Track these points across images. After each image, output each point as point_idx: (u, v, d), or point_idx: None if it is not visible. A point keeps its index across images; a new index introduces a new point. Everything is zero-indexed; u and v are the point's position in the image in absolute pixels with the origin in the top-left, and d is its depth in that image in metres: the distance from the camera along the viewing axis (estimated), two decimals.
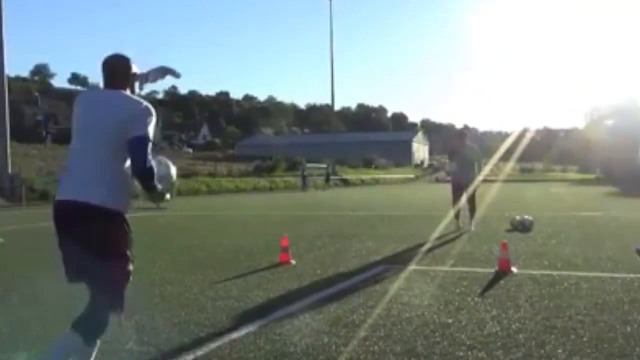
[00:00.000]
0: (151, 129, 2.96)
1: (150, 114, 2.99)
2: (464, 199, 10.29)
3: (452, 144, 11.98)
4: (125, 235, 3.06)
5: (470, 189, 10.31)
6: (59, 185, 3.23)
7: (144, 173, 2.95)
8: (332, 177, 49.47)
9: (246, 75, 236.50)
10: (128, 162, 2.99)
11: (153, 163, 2.97)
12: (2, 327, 4.40)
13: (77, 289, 3.03)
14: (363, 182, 54.76)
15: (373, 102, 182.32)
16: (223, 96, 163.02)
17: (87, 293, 3.05)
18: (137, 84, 3.23)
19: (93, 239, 2.92)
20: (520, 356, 3.50)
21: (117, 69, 3.13)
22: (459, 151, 10.66)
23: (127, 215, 3.10)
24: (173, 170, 3.50)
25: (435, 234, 9.34)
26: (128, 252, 3.05)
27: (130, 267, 3.06)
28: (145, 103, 3.02)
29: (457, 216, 10.23)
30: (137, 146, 2.91)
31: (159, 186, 3.08)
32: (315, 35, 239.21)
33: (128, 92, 3.13)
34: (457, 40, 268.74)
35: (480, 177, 10.64)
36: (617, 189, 28.46)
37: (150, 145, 2.93)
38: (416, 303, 4.87)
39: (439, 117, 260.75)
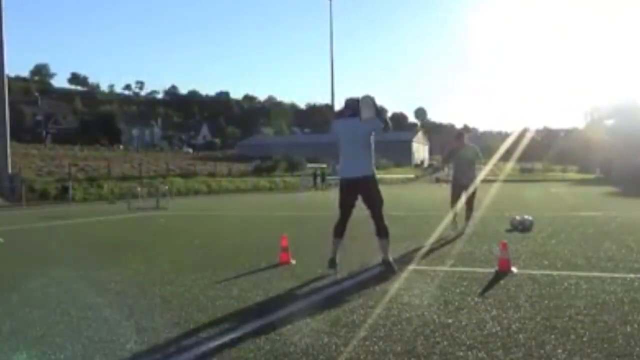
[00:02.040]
0: None
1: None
2: (463, 199, 10.29)
3: (450, 144, 11.99)
4: None
5: (470, 189, 10.30)
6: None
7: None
8: (329, 177, 49.57)
9: (246, 75, 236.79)
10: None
11: None
12: (2, 327, 4.40)
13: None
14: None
15: None
16: (223, 96, 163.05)
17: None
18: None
19: None
20: (520, 356, 3.50)
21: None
22: (457, 151, 10.66)
23: None
24: None
25: (435, 234, 9.34)
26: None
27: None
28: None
29: (455, 216, 10.23)
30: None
31: None
32: (315, 35, 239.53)
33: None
34: (457, 40, 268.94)
35: (479, 178, 10.64)
36: (617, 189, 28.46)
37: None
38: (416, 303, 4.87)
39: (439, 117, 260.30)
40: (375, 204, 6.51)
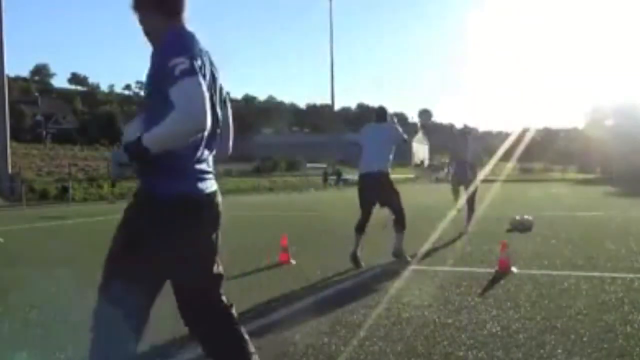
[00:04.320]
0: None
1: None
2: (464, 198, 10.29)
3: (453, 143, 11.99)
4: None
5: (471, 189, 10.31)
6: None
7: None
8: (331, 177, 49.85)
9: (246, 75, 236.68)
10: None
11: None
12: (2, 327, 4.40)
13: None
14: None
15: (373, 102, 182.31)
16: None
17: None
18: None
19: None
20: (520, 356, 3.50)
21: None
22: (460, 151, 10.67)
23: None
24: None
25: (435, 234, 9.33)
26: None
27: None
28: None
29: (456, 200, 10.41)
30: None
31: None
32: (315, 35, 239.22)
33: None
34: (457, 40, 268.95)
35: (480, 177, 10.65)
36: (617, 189, 28.45)
37: None
38: (416, 303, 4.87)
39: (439, 117, 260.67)
40: (392, 198, 6.97)
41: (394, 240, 7.01)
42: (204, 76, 2.28)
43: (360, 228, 7.01)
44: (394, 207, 7.02)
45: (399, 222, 6.95)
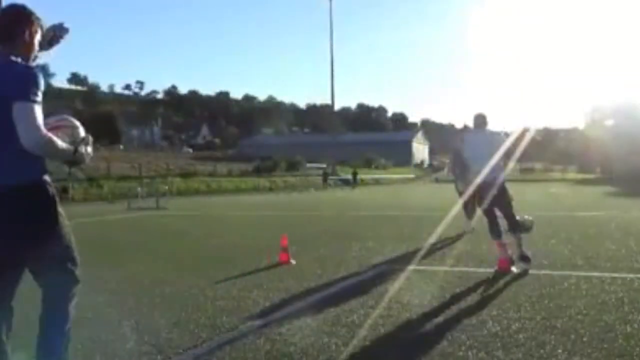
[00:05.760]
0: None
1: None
2: (477, 214, 10.18)
3: (454, 144, 11.98)
4: None
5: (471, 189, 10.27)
6: None
7: None
8: (332, 177, 50.03)
9: (246, 75, 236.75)
10: None
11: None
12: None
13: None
14: (363, 182, 54.83)
15: (373, 102, 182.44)
16: (223, 96, 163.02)
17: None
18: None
19: None
20: (520, 356, 3.50)
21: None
22: (462, 152, 10.64)
23: None
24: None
25: (435, 234, 9.33)
26: None
27: None
28: None
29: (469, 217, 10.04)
30: None
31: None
32: (315, 35, 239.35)
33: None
34: (457, 40, 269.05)
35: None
36: (617, 189, 28.46)
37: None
38: (416, 303, 4.87)
39: (439, 117, 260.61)
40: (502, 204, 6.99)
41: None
42: None
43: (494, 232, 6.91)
44: (505, 212, 7.11)
45: (511, 226, 7.01)
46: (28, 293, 2.77)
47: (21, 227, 2.62)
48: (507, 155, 7.03)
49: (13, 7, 2.77)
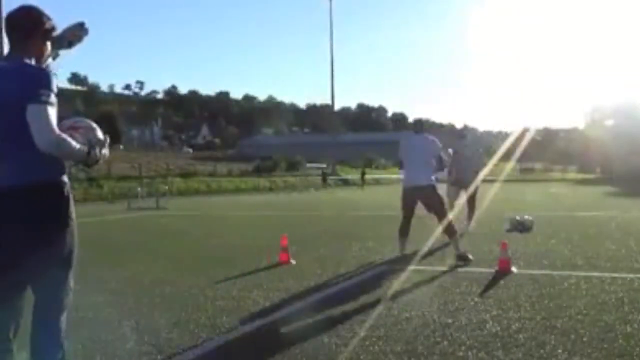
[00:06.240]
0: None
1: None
2: (463, 198, 10.26)
3: (451, 144, 11.99)
4: None
5: (471, 189, 10.29)
6: None
7: None
8: (330, 177, 50.09)
9: (246, 75, 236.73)
10: None
11: None
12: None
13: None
14: (364, 182, 54.76)
15: (373, 102, 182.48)
16: (223, 96, 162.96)
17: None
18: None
19: None
20: (520, 356, 3.50)
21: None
22: (459, 151, 10.65)
23: None
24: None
25: (435, 234, 9.32)
26: None
27: None
28: None
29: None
30: None
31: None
32: (315, 35, 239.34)
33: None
34: (457, 40, 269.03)
35: (480, 178, 10.62)
36: (617, 189, 28.46)
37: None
38: (416, 303, 4.87)
39: (439, 117, 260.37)
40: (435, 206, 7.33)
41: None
42: None
43: (403, 231, 7.55)
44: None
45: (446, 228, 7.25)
46: (28, 294, 2.77)
47: (35, 227, 2.65)
48: (439, 161, 7.40)
49: (24, 8, 2.79)
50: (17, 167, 2.62)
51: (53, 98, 2.59)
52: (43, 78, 2.61)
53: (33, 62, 2.73)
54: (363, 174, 49.28)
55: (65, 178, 2.78)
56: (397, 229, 7.59)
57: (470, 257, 6.97)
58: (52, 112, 2.56)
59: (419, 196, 7.33)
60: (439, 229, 7.20)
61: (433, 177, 7.38)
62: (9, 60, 2.72)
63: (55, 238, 2.74)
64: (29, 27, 2.74)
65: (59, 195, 2.74)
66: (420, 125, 7.74)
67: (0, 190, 2.59)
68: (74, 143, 2.64)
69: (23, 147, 2.58)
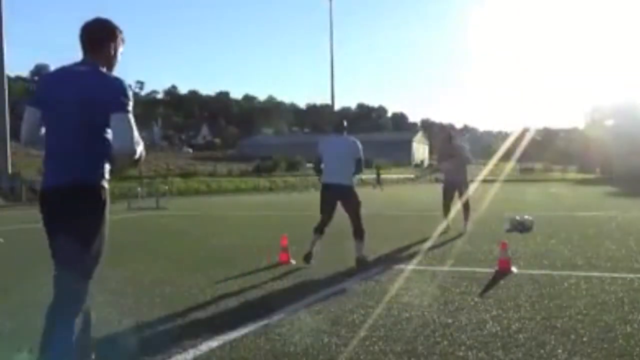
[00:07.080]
0: None
1: None
2: (458, 203, 10.28)
3: (441, 145, 11.98)
4: None
5: (462, 189, 10.32)
6: None
7: None
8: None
9: (246, 75, 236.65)
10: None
11: None
12: (3, 327, 4.40)
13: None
14: (363, 182, 54.67)
15: (373, 102, 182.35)
16: (223, 96, 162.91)
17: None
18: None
19: None
20: (520, 356, 3.50)
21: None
22: (449, 152, 10.66)
23: None
24: None
25: (435, 234, 9.33)
26: None
27: None
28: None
29: (446, 216, 10.30)
30: None
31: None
32: (315, 35, 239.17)
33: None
34: (457, 40, 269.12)
35: (470, 178, 10.67)
36: (617, 189, 28.45)
37: None
38: (416, 303, 4.87)
39: (439, 117, 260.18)
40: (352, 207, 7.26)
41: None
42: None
43: (319, 230, 7.42)
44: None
45: (357, 231, 7.23)
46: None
47: (74, 224, 2.98)
48: (357, 162, 7.22)
49: (100, 21, 3.02)
50: (76, 166, 2.86)
51: (132, 106, 2.82)
52: (125, 88, 2.84)
53: (105, 69, 2.93)
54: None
55: (105, 183, 3.07)
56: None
57: (369, 260, 6.98)
58: (133, 120, 2.81)
59: (338, 196, 7.15)
60: (352, 230, 7.20)
61: (354, 179, 7.30)
62: (84, 65, 2.93)
63: (86, 237, 3.08)
64: (104, 37, 2.97)
65: (98, 198, 3.06)
66: (342, 127, 7.45)
67: (57, 188, 2.86)
68: (142, 147, 2.92)
69: (87, 148, 2.81)
